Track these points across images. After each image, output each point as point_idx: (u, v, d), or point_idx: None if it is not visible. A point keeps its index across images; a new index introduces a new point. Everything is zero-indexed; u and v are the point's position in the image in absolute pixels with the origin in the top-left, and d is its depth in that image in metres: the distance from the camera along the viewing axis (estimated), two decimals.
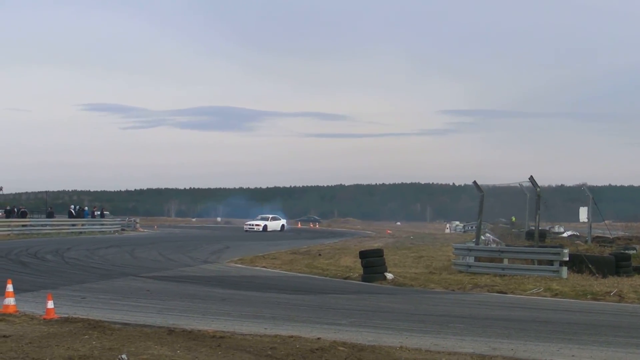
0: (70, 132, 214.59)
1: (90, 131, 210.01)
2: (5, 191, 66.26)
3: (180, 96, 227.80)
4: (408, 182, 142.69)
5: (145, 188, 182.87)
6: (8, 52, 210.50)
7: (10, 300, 14.20)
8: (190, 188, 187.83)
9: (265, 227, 70.27)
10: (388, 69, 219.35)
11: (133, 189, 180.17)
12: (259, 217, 74.68)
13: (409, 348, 11.44)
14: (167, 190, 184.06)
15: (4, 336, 11.21)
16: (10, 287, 14.33)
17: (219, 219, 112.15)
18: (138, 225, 70.70)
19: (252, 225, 70.64)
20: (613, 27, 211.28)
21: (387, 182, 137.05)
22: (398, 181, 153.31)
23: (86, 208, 68.72)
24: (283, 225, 73.81)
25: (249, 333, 12.54)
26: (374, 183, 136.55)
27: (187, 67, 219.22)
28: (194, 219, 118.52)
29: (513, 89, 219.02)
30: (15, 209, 63.80)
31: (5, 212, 62.08)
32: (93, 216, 64.52)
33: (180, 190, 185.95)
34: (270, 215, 74.69)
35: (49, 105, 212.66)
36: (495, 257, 27.23)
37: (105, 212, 68.79)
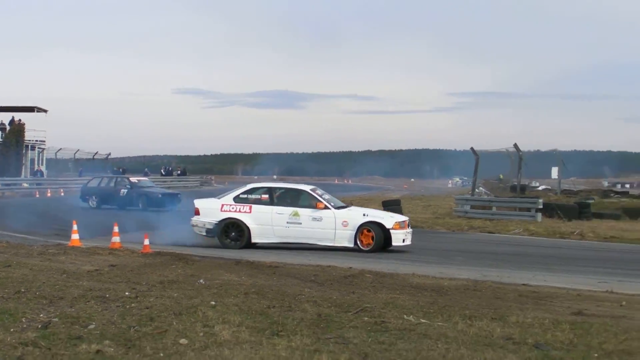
0: (165, 110, 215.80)
1: (178, 110, 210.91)
2: (112, 155, 66.92)
3: (243, 82, 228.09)
4: (420, 148, 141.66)
5: (219, 153, 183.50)
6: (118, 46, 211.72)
7: (116, 239, 14.38)
8: (253, 153, 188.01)
9: None
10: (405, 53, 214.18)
11: (210, 154, 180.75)
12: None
13: (418, 274, 11.39)
14: (235, 154, 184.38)
15: (112, 265, 11.37)
16: (116, 229, 14.49)
17: (274, 176, 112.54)
18: (213, 181, 71.20)
19: None
20: None
21: (404, 148, 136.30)
22: (412, 147, 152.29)
23: (170, 168, 69.20)
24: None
25: (297, 263, 12.59)
26: (394, 149, 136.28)
27: (249, 58, 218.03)
28: (255, 177, 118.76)
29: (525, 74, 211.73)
30: (121, 169, 64.23)
31: (122, 171, 62.31)
32: (178, 174, 64.88)
33: (246, 154, 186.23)
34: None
35: (150, 90, 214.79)
36: (486, 206, 27.32)
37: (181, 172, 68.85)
